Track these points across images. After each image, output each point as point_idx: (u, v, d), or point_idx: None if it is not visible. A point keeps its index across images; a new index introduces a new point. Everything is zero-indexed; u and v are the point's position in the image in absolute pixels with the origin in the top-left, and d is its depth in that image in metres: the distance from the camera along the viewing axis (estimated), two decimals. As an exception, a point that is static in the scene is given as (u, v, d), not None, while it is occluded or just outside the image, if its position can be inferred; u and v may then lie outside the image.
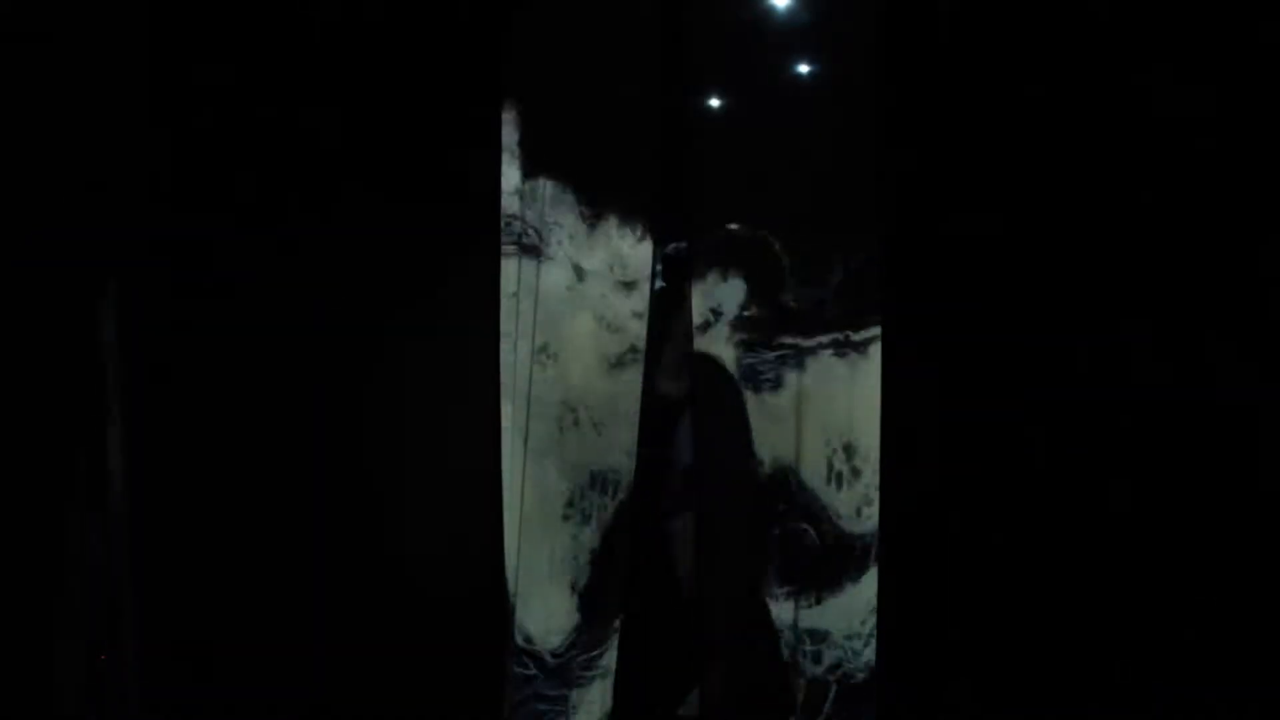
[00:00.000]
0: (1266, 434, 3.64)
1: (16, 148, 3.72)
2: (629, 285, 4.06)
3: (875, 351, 3.99)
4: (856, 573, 4.00)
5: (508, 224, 3.99)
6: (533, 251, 4.01)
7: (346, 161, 3.89)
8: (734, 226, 4.07)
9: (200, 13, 3.84)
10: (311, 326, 3.85)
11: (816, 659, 3.99)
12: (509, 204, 4.00)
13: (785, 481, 4.01)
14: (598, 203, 4.04)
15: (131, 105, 3.83)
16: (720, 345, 4.07)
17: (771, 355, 4.05)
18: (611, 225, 4.05)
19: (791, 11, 4.05)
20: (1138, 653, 3.69)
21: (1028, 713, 3.74)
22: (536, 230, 4.00)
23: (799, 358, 4.03)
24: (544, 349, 4.00)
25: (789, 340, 4.04)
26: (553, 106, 4.03)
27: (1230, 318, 3.68)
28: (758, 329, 4.06)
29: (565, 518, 4.03)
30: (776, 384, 4.04)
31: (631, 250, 4.06)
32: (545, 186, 4.02)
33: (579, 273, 4.03)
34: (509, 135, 4.01)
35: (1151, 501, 3.70)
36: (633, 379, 4.05)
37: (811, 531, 4.00)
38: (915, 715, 3.86)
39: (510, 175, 4.01)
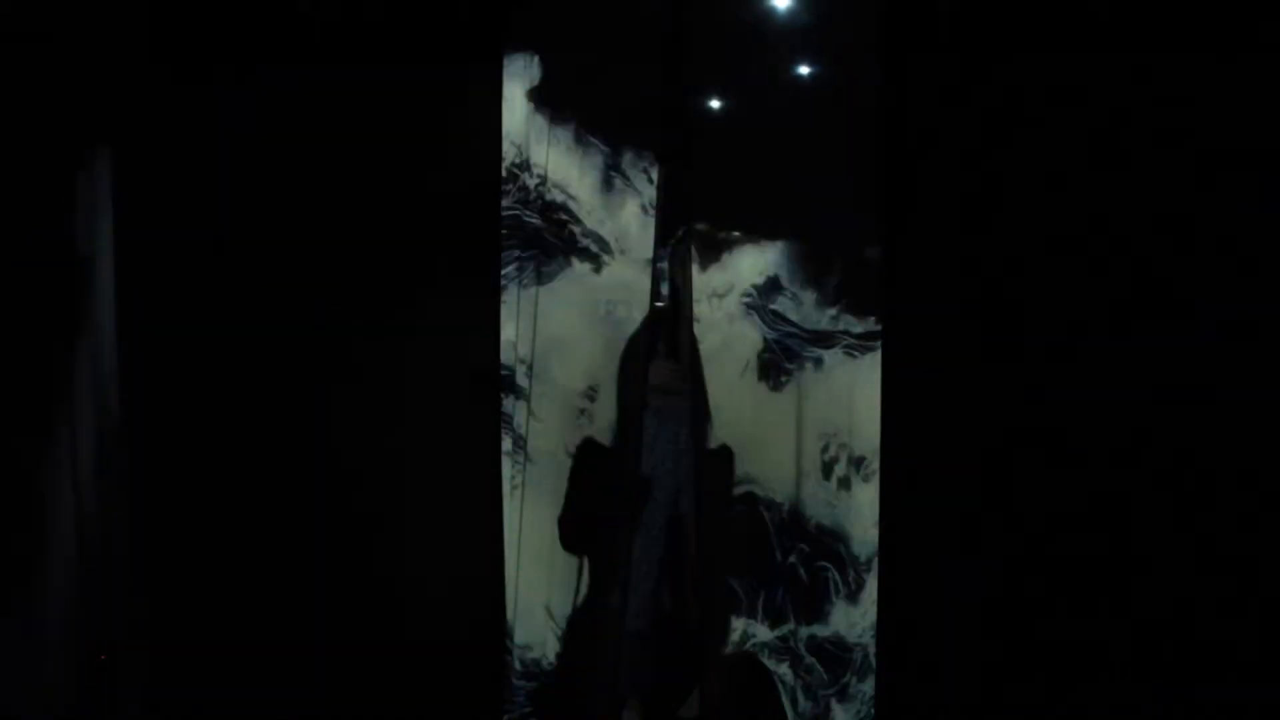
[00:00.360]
0: (1266, 434, 3.64)
1: (13, 146, 3.73)
2: (635, 279, 4.06)
3: (876, 351, 3.99)
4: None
5: (515, 182, 3.99)
6: (544, 248, 4.03)
7: (345, 158, 3.89)
8: (733, 226, 4.07)
9: (198, 9, 3.86)
10: (312, 326, 3.86)
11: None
12: (511, 155, 4.02)
13: (796, 507, 4.00)
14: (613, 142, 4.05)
15: (131, 104, 3.83)
16: (718, 343, 4.06)
17: (769, 355, 4.04)
18: (625, 194, 4.04)
19: (791, 12, 4.05)
20: (1137, 653, 3.69)
21: (1028, 713, 3.74)
22: (543, 192, 4.00)
23: (797, 357, 4.03)
24: (588, 394, 4.03)
25: (788, 340, 4.04)
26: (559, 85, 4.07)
27: (1230, 318, 3.68)
28: (756, 328, 4.05)
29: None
30: (777, 383, 4.04)
31: (637, 240, 4.06)
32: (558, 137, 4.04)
33: (595, 266, 4.04)
34: (521, 86, 4.04)
35: (1151, 501, 3.70)
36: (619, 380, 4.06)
37: (833, 571, 3.99)
38: (915, 715, 3.86)
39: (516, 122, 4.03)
